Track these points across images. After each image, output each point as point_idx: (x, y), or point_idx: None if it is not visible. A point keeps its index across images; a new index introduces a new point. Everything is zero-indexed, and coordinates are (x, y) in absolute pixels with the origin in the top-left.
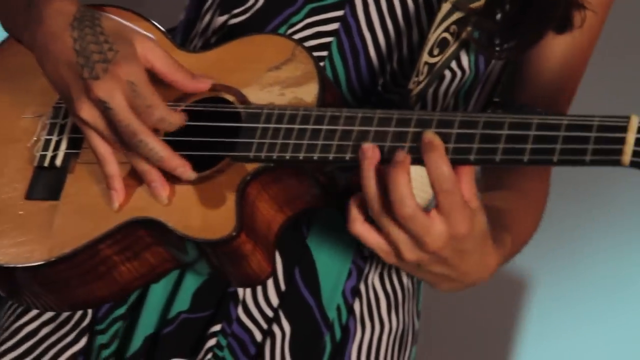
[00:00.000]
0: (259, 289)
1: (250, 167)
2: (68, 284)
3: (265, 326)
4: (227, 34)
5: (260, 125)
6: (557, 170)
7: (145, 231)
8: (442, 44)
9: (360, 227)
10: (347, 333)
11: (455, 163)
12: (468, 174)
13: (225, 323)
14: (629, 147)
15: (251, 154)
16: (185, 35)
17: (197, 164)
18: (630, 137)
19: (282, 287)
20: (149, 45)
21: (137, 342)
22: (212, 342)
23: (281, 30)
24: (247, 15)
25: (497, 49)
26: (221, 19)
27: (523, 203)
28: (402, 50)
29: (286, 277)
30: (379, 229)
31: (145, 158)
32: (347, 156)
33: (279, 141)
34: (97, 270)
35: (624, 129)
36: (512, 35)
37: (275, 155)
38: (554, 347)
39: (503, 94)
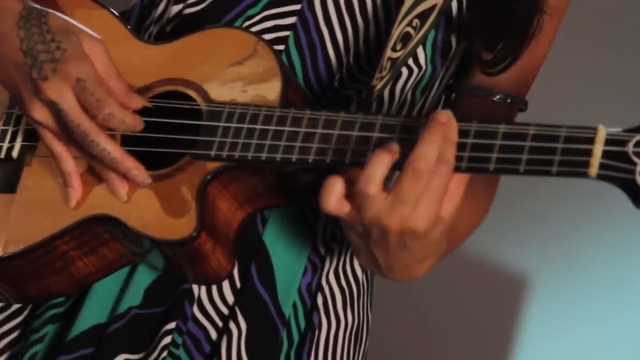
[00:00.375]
0: (214, 286)
1: (211, 165)
2: (23, 278)
3: (220, 324)
4: (183, 23)
5: (222, 124)
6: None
7: (103, 228)
8: (405, 39)
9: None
10: (311, 330)
11: None
12: (458, 184)
13: (180, 321)
14: (595, 160)
15: (212, 153)
16: (140, 22)
17: (157, 161)
18: (597, 149)
19: (238, 284)
20: (95, 45)
21: (79, 328)
22: (167, 339)
23: (238, 22)
24: (203, 5)
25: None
26: (176, 7)
27: (468, 201)
28: (359, 46)
29: (242, 274)
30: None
31: (99, 158)
32: (310, 158)
33: (241, 141)
34: (54, 265)
35: (591, 141)
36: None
37: (237, 154)
38: (554, 347)
39: (457, 76)
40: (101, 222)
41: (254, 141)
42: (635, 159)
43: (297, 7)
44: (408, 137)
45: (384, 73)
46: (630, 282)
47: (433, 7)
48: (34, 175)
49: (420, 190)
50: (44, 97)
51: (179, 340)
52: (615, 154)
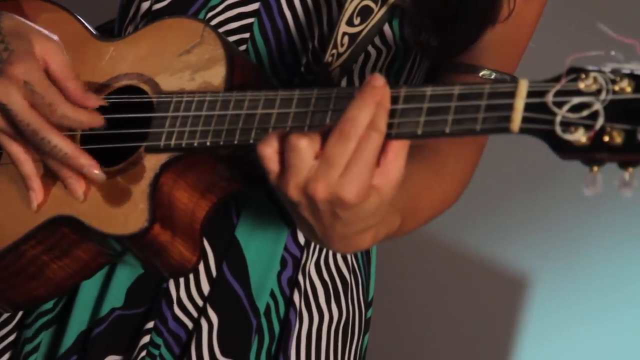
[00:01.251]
0: (192, 281)
1: (162, 157)
2: (1, 286)
3: (196, 316)
4: (152, 19)
5: (170, 114)
6: (555, 168)
7: (68, 229)
8: (364, 12)
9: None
10: (287, 325)
11: None
12: (397, 153)
13: (159, 321)
14: (517, 114)
15: (161, 144)
16: (121, 23)
17: (116, 157)
18: (519, 102)
19: (214, 277)
20: (49, 46)
21: (69, 339)
22: (146, 339)
23: (201, 14)
24: (169, 0)
25: (431, 47)
26: (145, 4)
27: (435, 181)
28: (322, 28)
29: (217, 267)
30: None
31: (53, 157)
32: (251, 139)
33: (187, 129)
34: (28, 270)
35: (512, 95)
36: (447, 37)
37: (184, 143)
38: (554, 347)
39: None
40: (63, 222)
41: (199, 128)
42: (554, 108)
43: None
44: (342, 109)
45: (340, 49)
46: (629, 281)
47: None
48: (1, 182)
49: (348, 154)
50: None
51: (158, 340)
52: (536, 106)
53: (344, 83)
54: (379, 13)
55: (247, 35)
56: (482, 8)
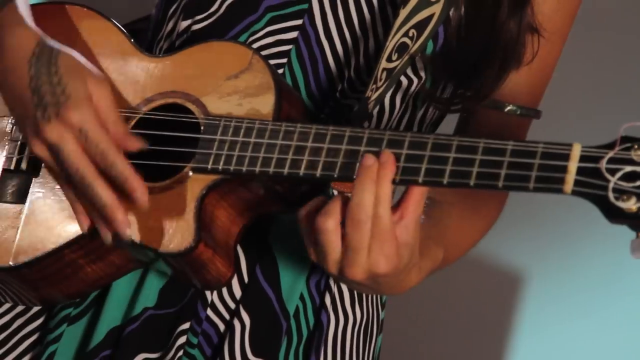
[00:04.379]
0: None
1: (208, 178)
2: (34, 285)
3: (228, 318)
4: (191, 39)
5: (218, 137)
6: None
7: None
8: (401, 49)
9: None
10: (319, 327)
11: (403, 183)
12: (417, 196)
13: (194, 321)
14: (570, 176)
15: (209, 166)
16: (153, 36)
17: (159, 172)
18: (572, 165)
19: (246, 281)
20: (99, 87)
21: (100, 334)
22: (182, 339)
23: (242, 37)
24: (210, 21)
25: (455, 100)
26: (184, 23)
27: (469, 213)
28: (359, 58)
29: (249, 272)
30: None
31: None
32: (301, 172)
33: (236, 153)
34: (64, 272)
35: (567, 157)
36: (468, 83)
37: (232, 168)
38: (548, 341)
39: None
40: None
41: (248, 154)
42: (607, 175)
43: (299, 22)
44: (395, 151)
45: (378, 83)
46: (623, 276)
47: (430, 17)
48: (42, 187)
49: (367, 236)
50: (44, 138)
51: (194, 340)
52: (589, 171)
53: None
54: (412, 49)
55: (284, 60)
56: (503, 57)
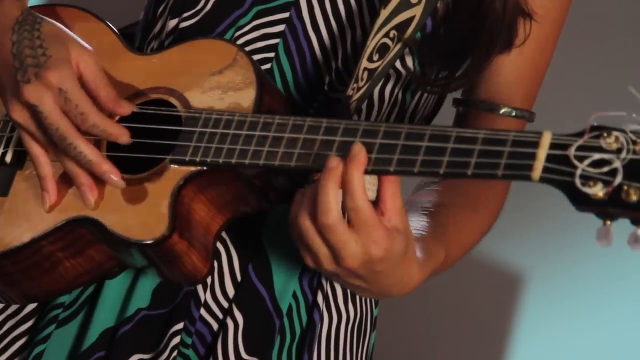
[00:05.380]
0: (217, 283)
1: (186, 170)
2: (13, 278)
3: (221, 317)
4: (179, 37)
5: (198, 129)
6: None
7: (86, 229)
8: (382, 49)
9: (306, 221)
10: (311, 326)
11: (375, 173)
12: (392, 187)
13: (188, 322)
14: (539, 163)
15: (187, 157)
16: (143, 37)
17: (138, 165)
18: (541, 153)
19: (239, 279)
20: (84, 54)
21: (93, 335)
22: (176, 340)
23: (229, 33)
24: (197, 18)
25: (438, 79)
26: (172, 22)
27: (471, 211)
28: (346, 49)
29: (242, 271)
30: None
31: (75, 160)
32: (276, 162)
33: (214, 145)
34: (43, 265)
35: (536, 145)
36: (455, 66)
37: (209, 159)
38: (548, 341)
39: (464, 92)
40: (83, 223)
41: (226, 146)
42: (576, 162)
43: (285, 15)
44: (368, 141)
45: (360, 83)
46: (623, 276)
47: (411, 19)
48: (26, 180)
49: (344, 232)
50: (23, 100)
51: (188, 340)
52: (558, 158)
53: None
54: (394, 49)
55: (271, 54)
56: (489, 38)
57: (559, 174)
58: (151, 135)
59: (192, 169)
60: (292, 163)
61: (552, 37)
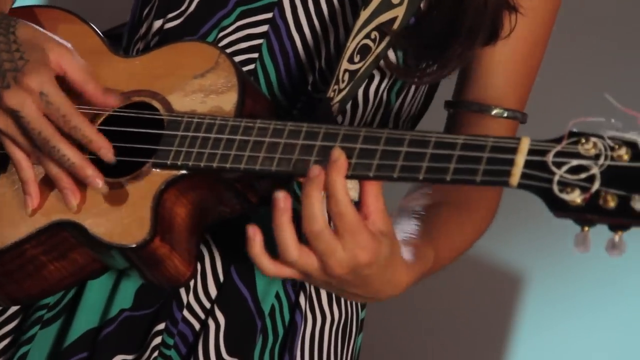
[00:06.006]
0: (199, 284)
1: (168, 174)
2: None
3: (203, 317)
4: (164, 38)
5: (180, 133)
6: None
7: (68, 233)
8: (363, 51)
9: (274, 269)
10: (293, 327)
11: (354, 178)
12: (374, 190)
13: (169, 322)
14: (517, 169)
15: (168, 161)
16: (130, 39)
17: (121, 168)
18: (520, 159)
19: (221, 281)
20: (64, 53)
21: (73, 335)
22: (157, 340)
23: (213, 33)
24: (181, 19)
25: (422, 71)
26: (157, 23)
27: (464, 214)
28: (329, 49)
29: (224, 272)
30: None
31: (58, 164)
32: (257, 167)
33: (195, 150)
34: (26, 268)
35: (514, 151)
36: (439, 56)
37: (190, 163)
38: (548, 341)
39: (455, 94)
40: (65, 227)
41: (207, 150)
42: (553, 168)
43: (269, 15)
44: (349, 146)
45: (341, 85)
46: (622, 276)
47: (393, 20)
48: (8, 184)
49: (330, 239)
50: (4, 105)
51: (170, 341)
52: (536, 164)
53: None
54: (376, 51)
55: (255, 55)
56: (470, 27)
57: (537, 180)
58: (133, 139)
59: (174, 172)
60: (273, 168)
61: (543, 38)
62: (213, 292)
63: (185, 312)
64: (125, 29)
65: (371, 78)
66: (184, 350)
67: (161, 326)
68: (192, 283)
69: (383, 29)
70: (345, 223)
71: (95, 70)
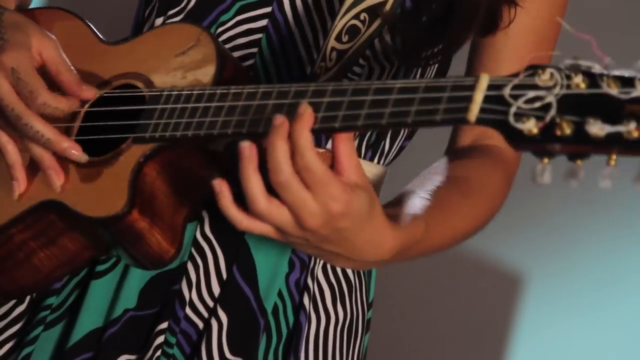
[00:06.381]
0: (203, 282)
1: (147, 147)
2: None
3: (207, 316)
4: None
5: (159, 107)
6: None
7: (55, 215)
8: (352, 32)
9: (245, 221)
10: (297, 327)
11: (321, 131)
12: (346, 143)
13: (172, 321)
14: (475, 105)
15: (147, 135)
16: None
17: (107, 149)
18: (478, 95)
19: (224, 279)
20: (45, 42)
21: (77, 334)
22: (160, 339)
23: (212, 29)
24: (181, 16)
25: (423, 55)
26: (159, 20)
27: (458, 197)
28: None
29: (227, 270)
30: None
31: (37, 142)
32: (229, 130)
33: (173, 120)
34: (16, 256)
35: (473, 88)
36: (436, 41)
37: (167, 134)
38: (547, 342)
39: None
40: (50, 208)
41: (184, 120)
42: (510, 100)
43: (268, 9)
44: (316, 101)
45: (328, 63)
46: (622, 276)
47: (384, 3)
48: None
49: (300, 188)
50: None
51: (173, 340)
52: (494, 99)
53: None
54: (366, 33)
55: (255, 50)
56: (465, 13)
57: (494, 113)
58: (114, 118)
59: (153, 145)
60: (245, 130)
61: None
62: (216, 290)
63: (188, 311)
64: (130, 31)
65: (371, 72)
66: (187, 349)
67: (164, 325)
68: (195, 280)
69: (375, 11)
70: (314, 175)
71: (84, 59)
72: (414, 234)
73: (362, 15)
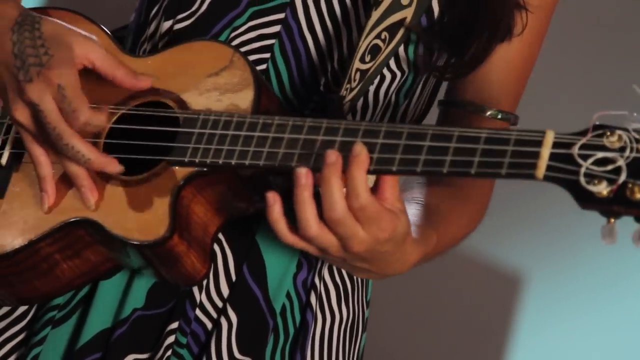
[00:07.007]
0: (212, 283)
1: (185, 171)
2: (10, 280)
3: (216, 317)
4: (174, 39)
5: (196, 131)
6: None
7: (84, 231)
8: (374, 51)
9: (291, 237)
10: (304, 326)
11: (377, 173)
12: (391, 178)
13: (182, 321)
14: (542, 162)
15: (186, 159)
16: (135, 39)
17: (137, 167)
18: (545, 151)
19: (234, 280)
20: (89, 45)
21: (87, 335)
22: (171, 339)
23: (225, 34)
24: (192, 20)
25: (446, 68)
26: (167, 24)
27: (459, 205)
28: (342, 50)
29: (236, 271)
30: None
31: (75, 161)
32: (277, 163)
33: (213, 147)
34: (40, 267)
35: (539, 144)
36: (461, 53)
37: (208, 160)
38: (547, 342)
39: (448, 93)
40: (82, 225)
41: (225, 147)
42: (580, 160)
43: (281, 15)
44: (370, 141)
45: (352, 84)
46: (622, 277)
47: (402, 20)
48: (22, 181)
49: (353, 224)
50: (25, 98)
51: (183, 340)
52: (562, 157)
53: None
54: (385, 51)
55: (267, 55)
56: (492, 22)
57: (564, 172)
58: (148, 137)
59: (192, 170)
60: (293, 163)
61: (536, 43)
62: (225, 291)
63: (198, 311)
64: (130, 30)
65: (382, 79)
66: (196, 349)
67: (174, 325)
68: (205, 282)
69: (395, 29)
70: (368, 213)
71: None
72: (429, 248)
73: (384, 34)
